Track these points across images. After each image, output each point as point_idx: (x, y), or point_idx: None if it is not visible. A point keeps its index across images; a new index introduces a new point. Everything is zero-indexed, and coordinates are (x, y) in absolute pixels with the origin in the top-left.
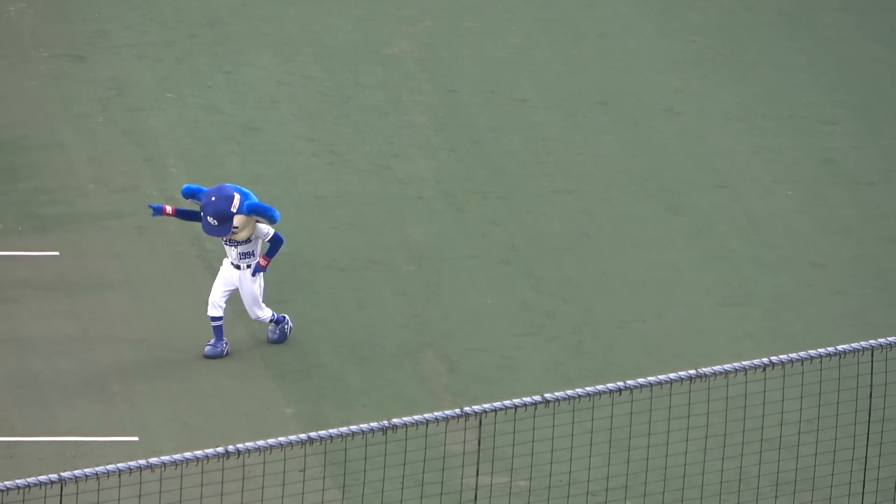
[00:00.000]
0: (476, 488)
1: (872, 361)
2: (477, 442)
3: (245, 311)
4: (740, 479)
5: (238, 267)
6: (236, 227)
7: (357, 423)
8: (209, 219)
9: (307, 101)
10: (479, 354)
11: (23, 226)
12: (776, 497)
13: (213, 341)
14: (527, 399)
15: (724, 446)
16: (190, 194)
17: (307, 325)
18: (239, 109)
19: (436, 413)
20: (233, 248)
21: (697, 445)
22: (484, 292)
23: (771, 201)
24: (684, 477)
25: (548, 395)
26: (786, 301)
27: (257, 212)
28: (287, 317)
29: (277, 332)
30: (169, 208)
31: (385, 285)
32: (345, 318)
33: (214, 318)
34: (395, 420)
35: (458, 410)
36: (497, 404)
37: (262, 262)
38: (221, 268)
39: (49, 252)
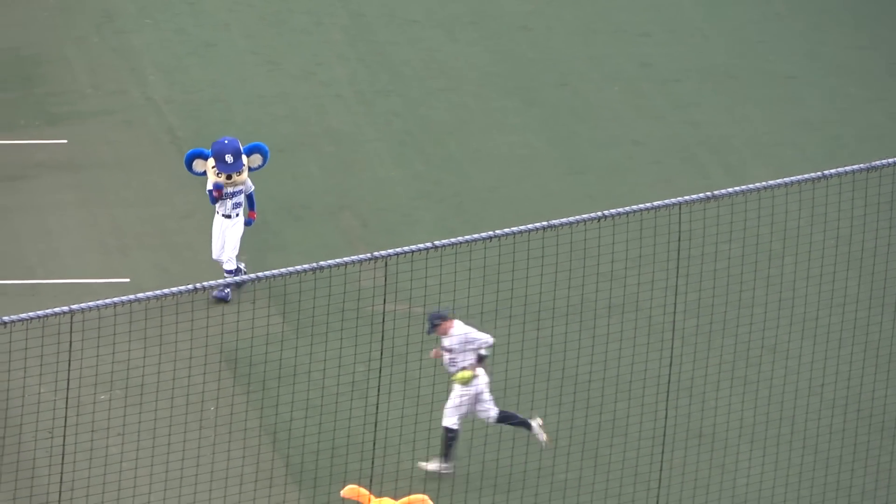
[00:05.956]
0: (384, 313)
1: (680, 214)
2: (384, 279)
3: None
4: (583, 304)
5: (228, 216)
6: (244, 166)
7: (293, 266)
8: (227, 157)
9: (251, 22)
10: (385, 213)
11: (39, 121)
12: (609, 317)
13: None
14: (421, 245)
15: (570, 279)
16: (196, 155)
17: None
18: (200, 30)
19: (353, 257)
20: (228, 199)
21: (539, 281)
22: (388, 167)
23: (602, 96)
24: (540, 302)
25: (437, 242)
26: (614, 170)
27: (256, 149)
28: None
29: (226, 290)
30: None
31: (312, 162)
32: (283, 187)
33: (229, 272)
34: (321, 262)
35: (369, 255)
36: (398, 250)
37: (253, 216)
38: (214, 226)
39: (59, 140)
